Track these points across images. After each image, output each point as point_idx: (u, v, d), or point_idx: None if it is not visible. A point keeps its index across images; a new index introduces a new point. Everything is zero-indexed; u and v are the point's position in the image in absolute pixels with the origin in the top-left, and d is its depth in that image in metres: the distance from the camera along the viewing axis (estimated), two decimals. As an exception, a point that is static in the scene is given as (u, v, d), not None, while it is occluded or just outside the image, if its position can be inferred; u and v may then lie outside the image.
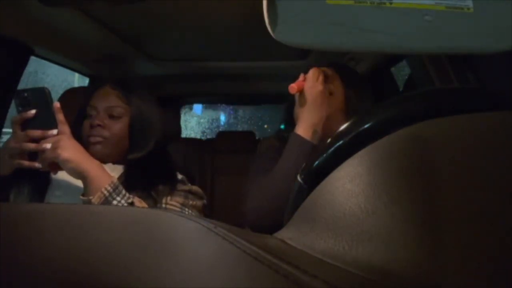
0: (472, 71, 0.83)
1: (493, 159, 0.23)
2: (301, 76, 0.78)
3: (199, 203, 0.82)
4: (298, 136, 0.75)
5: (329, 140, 0.39)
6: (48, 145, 0.63)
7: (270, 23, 0.35)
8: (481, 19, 0.37)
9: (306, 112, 0.76)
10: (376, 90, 1.40)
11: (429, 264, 0.18)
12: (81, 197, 0.66)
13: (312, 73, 0.76)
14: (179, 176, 0.84)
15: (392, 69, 1.41)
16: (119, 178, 0.74)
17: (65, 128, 0.66)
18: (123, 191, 0.68)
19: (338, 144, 0.37)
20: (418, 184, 0.23)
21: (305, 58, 1.40)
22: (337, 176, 0.29)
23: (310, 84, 0.75)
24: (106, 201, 0.65)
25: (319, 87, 0.74)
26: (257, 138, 2.00)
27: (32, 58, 1.06)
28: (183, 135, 2.86)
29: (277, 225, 0.32)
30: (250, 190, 0.80)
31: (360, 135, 0.36)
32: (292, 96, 0.91)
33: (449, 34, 0.38)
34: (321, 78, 0.75)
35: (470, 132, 0.27)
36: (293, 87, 0.75)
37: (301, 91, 0.76)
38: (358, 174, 0.27)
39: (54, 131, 0.65)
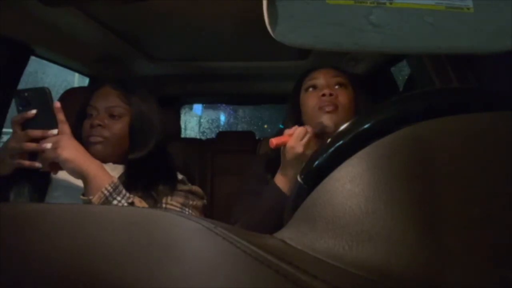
0: (472, 71, 0.83)
1: (493, 159, 0.23)
2: (287, 131, 0.77)
3: (199, 203, 0.82)
4: (276, 186, 0.76)
5: (329, 140, 0.39)
6: (49, 145, 0.63)
7: (270, 23, 0.35)
8: (481, 19, 0.37)
9: (284, 167, 0.76)
10: (376, 90, 1.41)
11: (429, 264, 0.18)
12: (81, 197, 0.66)
13: (297, 132, 0.74)
14: (179, 176, 0.84)
15: (392, 69, 1.42)
16: (119, 178, 0.74)
17: (66, 128, 0.66)
18: (124, 191, 0.68)
19: (338, 144, 0.37)
20: (418, 184, 0.23)
21: (305, 58, 1.40)
22: (337, 176, 0.29)
23: (292, 143, 0.74)
24: (106, 201, 0.65)
25: (299, 149, 0.73)
26: (257, 138, 2.00)
27: (32, 58, 1.06)
28: (183, 135, 2.86)
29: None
30: (235, 210, 0.84)
31: (360, 135, 0.36)
32: (292, 96, 0.92)
33: (449, 34, 0.38)
34: (305, 139, 0.74)
35: (470, 132, 0.27)
36: (271, 142, 0.75)
37: (284, 146, 0.75)
38: (358, 174, 0.27)
39: (55, 131, 0.65)
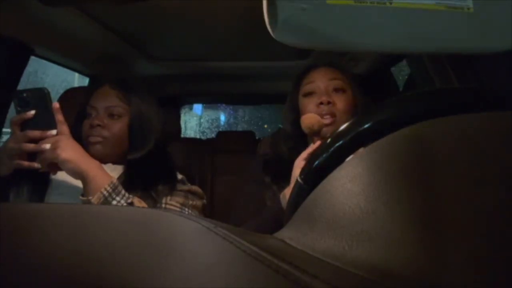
0: (472, 71, 0.83)
1: (493, 159, 0.23)
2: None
3: (199, 203, 0.82)
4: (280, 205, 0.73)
5: (329, 140, 0.39)
6: (47, 146, 0.63)
7: (270, 23, 0.35)
8: (481, 19, 0.37)
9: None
10: (376, 90, 1.41)
11: (429, 264, 0.18)
12: (80, 197, 0.66)
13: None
14: (179, 176, 0.84)
15: (392, 69, 1.42)
16: (119, 178, 0.74)
17: (65, 129, 0.66)
18: (123, 191, 0.68)
19: (338, 144, 0.37)
20: (418, 184, 0.23)
21: (305, 58, 1.40)
22: (337, 176, 0.28)
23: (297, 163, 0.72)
24: (106, 201, 0.65)
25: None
26: (257, 138, 2.00)
27: (32, 58, 1.06)
28: (183, 135, 2.86)
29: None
30: (235, 215, 0.84)
31: (360, 135, 0.36)
32: (290, 97, 0.91)
33: (449, 34, 0.38)
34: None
35: (470, 132, 0.27)
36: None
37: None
38: (358, 174, 0.26)
39: (54, 132, 0.65)
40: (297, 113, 0.87)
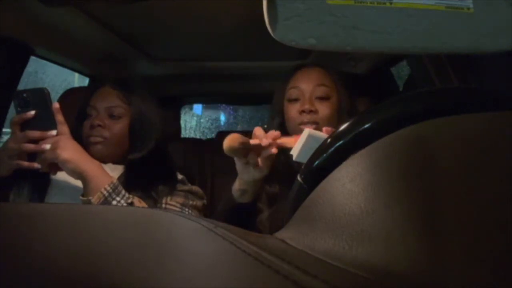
0: (472, 71, 0.83)
1: (493, 159, 0.23)
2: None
3: (199, 203, 0.82)
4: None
5: (329, 140, 0.39)
6: (48, 146, 0.63)
7: (270, 23, 0.35)
8: (481, 19, 0.37)
9: None
10: (376, 90, 1.41)
11: (429, 264, 0.18)
12: (80, 197, 0.66)
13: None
14: (179, 176, 0.84)
15: (392, 69, 1.42)
16: (119, 178, 0.74)
17: (65, 129, 0.66)
18: (123, 191, 0.68)
19: (338, 144, 0.37)
20: (418, 184, 0.23)
21: (305, 58, 1.40)
22: (337, 176, 0.28)
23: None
24: (106, 201, 0.65)
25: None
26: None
27: (32, 58, 1.06)
28: (183, 135, 2.86)
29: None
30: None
31: (360, 135, 0.36)
32: (277, 97, 0.90)
33: (449, 34, 0.38)
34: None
35: (470, 132, 0.27)
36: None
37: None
38: (358, 174, 0.27)
39: (54, 132, 0.65)
40: (282, 117, 0.86)
